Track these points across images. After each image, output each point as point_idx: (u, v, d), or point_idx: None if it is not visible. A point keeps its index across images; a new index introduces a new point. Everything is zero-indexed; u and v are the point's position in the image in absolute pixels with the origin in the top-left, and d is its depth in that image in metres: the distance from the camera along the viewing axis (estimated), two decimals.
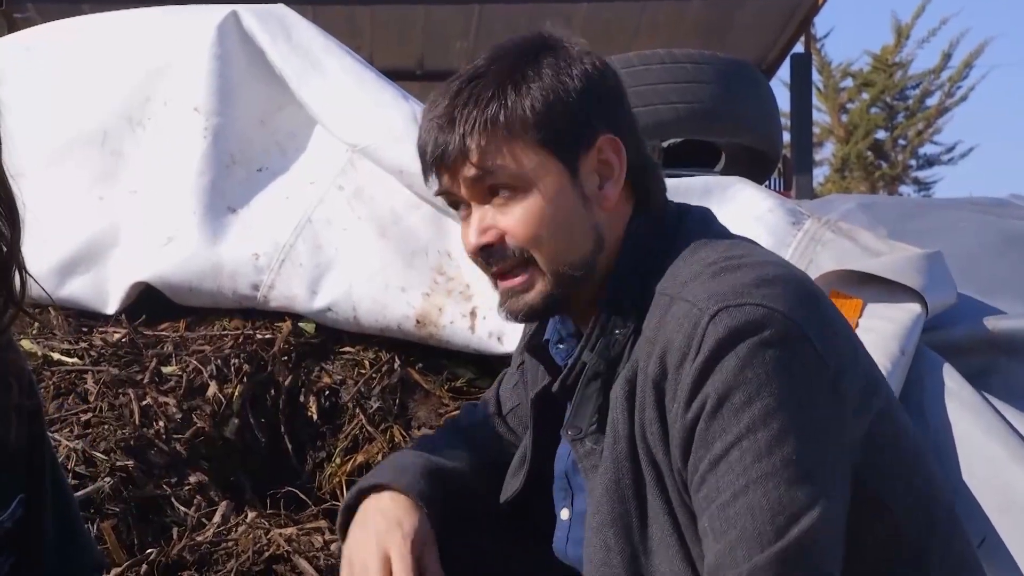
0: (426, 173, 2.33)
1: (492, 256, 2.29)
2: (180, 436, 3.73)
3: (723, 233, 2.34)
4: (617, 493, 2.20)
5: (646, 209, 2.32)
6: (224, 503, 3.59)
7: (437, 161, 2.28)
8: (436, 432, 2.87)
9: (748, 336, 2.05)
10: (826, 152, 22.49)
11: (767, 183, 8.11)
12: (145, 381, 3.85)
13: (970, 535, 2.41)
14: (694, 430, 2.08)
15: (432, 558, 2.41)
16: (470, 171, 2.25)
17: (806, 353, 2.08)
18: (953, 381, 3.41)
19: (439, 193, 2.34)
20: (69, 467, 3.47)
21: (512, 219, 2.26)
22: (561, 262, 2.26)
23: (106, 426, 3.66)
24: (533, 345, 2.49)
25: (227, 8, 4.41)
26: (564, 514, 2.43)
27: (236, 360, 3.95)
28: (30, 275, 2.30)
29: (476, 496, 2.59)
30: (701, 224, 2.34)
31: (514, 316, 2.33)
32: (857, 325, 3.34)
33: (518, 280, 2.29)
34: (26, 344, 3.88)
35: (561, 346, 2.42)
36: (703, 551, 2.08)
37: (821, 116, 21.63)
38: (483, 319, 3.91)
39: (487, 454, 2.66)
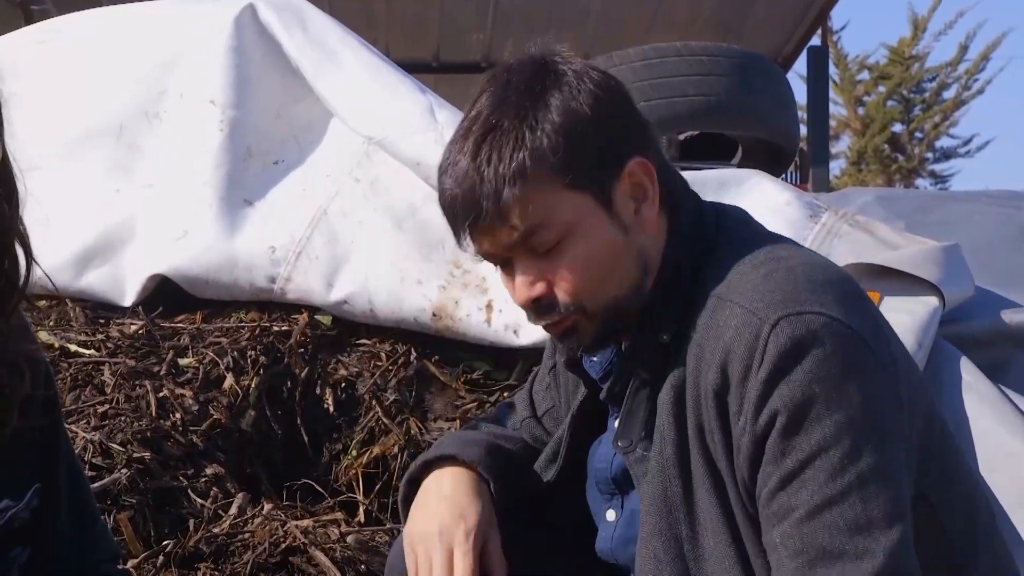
0: (458, 237, 2.23)
1: (542, 309, 2.21)
2: (197, 428, 3.74)
3: (763, 232, 2.32)
4: (665, 502, 2.18)
5: (679, 212, 2.27)
6: (240, 495, 3.59)
7: (471, 227, 2.18)
8: (486, 420, 2.83)
9: (812, 347, 2.04)
10: (842, 145, 22.45)
11: (784, 176, 8.09)
12: (162, 373, 3.86)
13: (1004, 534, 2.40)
14: (763, 445, 2.06)
15: (494, 545, 2.39)
16: (510, 233, 2.17)
17: (867, 361, 2.07)
18: (970, 374, 3.40)
19: (478, 257, 2.25)
20: (86, 459, 3.48)
21: (560, 271, 2.19)
22: (612, 299, 2.20)
23: (123, 418, 3.67)
24: (569, 359, 2.45)
25: (243, 1, 4.41)
26: (611, 515, 2.41)
27: (253, 352, 3.96)
28: (37, 263, 2.30)
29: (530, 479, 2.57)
30: (740, 224, 2.31)
31: (573, 352, 2.32)
32: None
33: (568, 326, 2.23)
34: (43, 335, 3.89)
35: (595, 359, 2.39)
36: (770, 563, 2.07)
37: (837, 109, 21.57)
38: (499, 312, 3.91)
39: (529, 454, 2.65)
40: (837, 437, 2.02)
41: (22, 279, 2.25)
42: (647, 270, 2.23)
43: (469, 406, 3.90)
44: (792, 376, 2.04)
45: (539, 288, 2.20)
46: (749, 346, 2.07)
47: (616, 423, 2.31)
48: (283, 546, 3.35)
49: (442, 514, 2.40)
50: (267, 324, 4.05)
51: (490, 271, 3.88)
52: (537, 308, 2.22)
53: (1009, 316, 3.61)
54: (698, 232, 2.26)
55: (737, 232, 2.27)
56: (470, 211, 2.17)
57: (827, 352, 2.04)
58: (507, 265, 2.24)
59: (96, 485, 3.38)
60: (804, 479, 2.02)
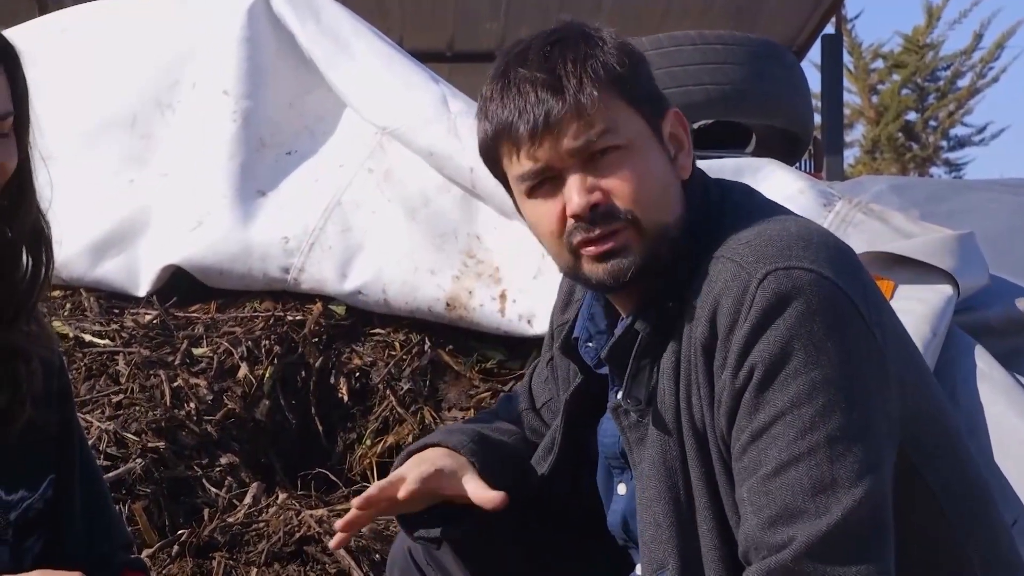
0: (511, 150, 2.21)
1: (599, 216, 2.18)
2: (211, 417, 3.75)
3: (767, 202, 2.32)
4: (664, 466, 2.19)
5: (693, 184, 2.29)
6: (255, 484, 3.60)
7: (539, 129, 2.16)
8: (476, 416, 2.84)
9: (795, 302, 2.03)
10: (856, 134, 22.38)
11: (798, 165, 8.08)
12: (176, 363, 3.87)
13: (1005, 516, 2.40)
14: (740, 398, 2.06)
15: (471, 477, 2.39)
16: (582, 132, 2.16)
17: (854, 323, 2.06)
18: (985, 363, 3.39)
19: (527, 173, 2.21)
20: (100, 448, 3.49)
21: (618, 180, 2.17)
22: (663, 224, 2.19)
23: (137, 407, 3.68)
24: (563, 344, 2.48)
25: None
26: (621, 489, 2.41)
27: (267, 342, 3.96)
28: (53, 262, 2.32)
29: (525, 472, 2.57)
30: (744, 196, 2.31)
31: (618, 276, 2.20)
32: None
33: (617, 242, 2.19)
34: (58, 325, 3.90)
35: (590, 344, 2.40)
36: (740, 520, 2.08)
37: (852, 97, 21.51)
38: (513, 302, 3.91)
39: (523, 445, 2.65)
40: (811, 394, 2.01)
41: (42, 277, 2.27)
42: (683, 213, 2.23)
43: (483, 395, 3.90)
44: (772, 330, 2.03)
45: (597, 195, 2.17)
46: (736, 299, 2.07)
47: (619, 393, 2.30)
48: (297, 535, 3.36)
49: (410, 462, 2.43)
50: (281, 314, 4.06)
51: (504, 260, 3.89)
52: (594, 215, 2.18)
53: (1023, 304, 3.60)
54: (704, 202, 2.26)
55: (741, 203, 2.27)
56: (543, 110, 2.16)
57: (811, 308, 2.03)
58: (551, 181, 2.21)
59: (111, 475, 3.39)
60: (774, 435, 2.02)
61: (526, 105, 2.17)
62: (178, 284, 4.15)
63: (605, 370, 2.36)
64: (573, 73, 2.16)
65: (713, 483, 2.14)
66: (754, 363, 2.04)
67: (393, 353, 4.00)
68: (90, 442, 3.45)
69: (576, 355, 2.43)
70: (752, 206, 2.27)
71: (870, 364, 2.07)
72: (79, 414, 3.51)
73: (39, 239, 2.29)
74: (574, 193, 2.17)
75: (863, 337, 2.07)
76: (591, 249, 2.20)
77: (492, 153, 2.26)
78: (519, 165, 2.21)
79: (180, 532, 3.37)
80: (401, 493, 2.37)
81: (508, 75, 2.21)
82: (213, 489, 3.56)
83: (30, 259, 2.27)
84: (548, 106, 2.16)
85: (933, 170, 22.07)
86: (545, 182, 2.21)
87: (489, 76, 2.25)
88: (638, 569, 2.39)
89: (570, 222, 2.19)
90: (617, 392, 2.30)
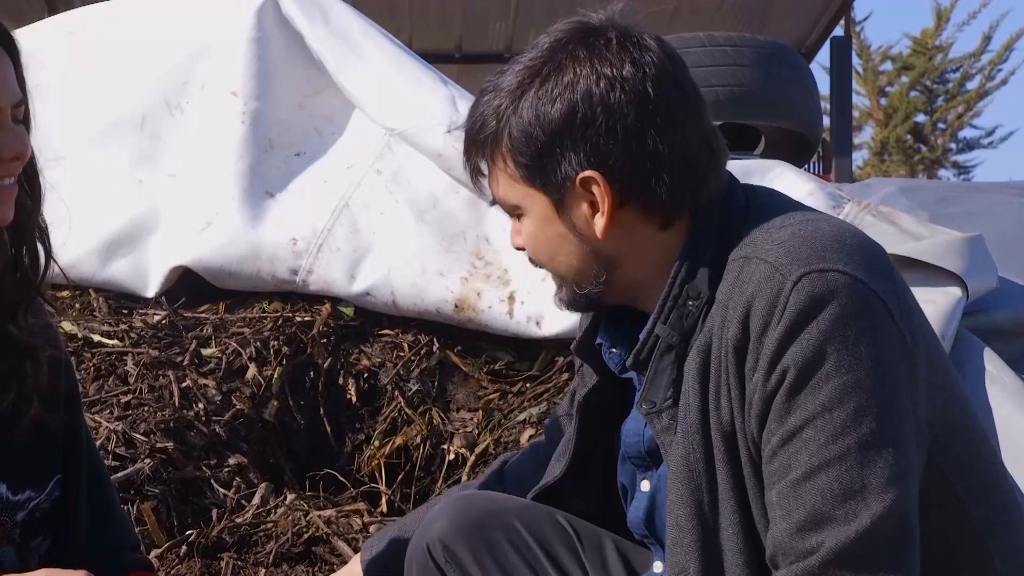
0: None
1: (526, 255, 2.37)
2: (219, 418, 3.75)
3: (791, 201, 2.31)
4: (687, 469, 2.18)
5: (700, 208, 2.26)
6: (263, 485, 3.61)
7: (474, 178, 2.36)
8: (465, 484, 3.04)
9: (830, 306, 2.03)
10: (865, 136, 22.35)
11: (806, 167, 8.07)
12: (185, 363, 3.87)
13: None
14: (772, 401, 2.06)
15: None
16: (495, 192, 2.33)
17: (887, 327, 2.06)
18: (994, 365, 3.39)
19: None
20: (109, 448, 3.49)
21: (523, 235, 2.32)
22: (567, 279, 2.31)
23: (146, 408, 3.68)
24: (580, 347, 2.50)
25: None
26: (645, 486, 2.42)
27: (275, 342, 3.97)
28: (55, 260, 2.32)
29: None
30: (766, 196, 2.31)
31: (563, 308, 2.37)
32: None
33: (552, 279, 2.37)
34: (67, 325, 3.91)
35: (615, 350, 2.41)
36: (768, 523, 2.08)
37: (860, 99, 21.48)
38: (521, 303, 3.91)
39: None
40: (843, 399, 2.01)
41: (40, 275, 2.27)
42: (613, 266, 2.27)
43: (491, 396, 3.90)
44: (806, 334, 2.03)
45: (518, 240, 2.34)
46: (770, 301, 2.06)
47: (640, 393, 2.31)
48: (306, 536, 3.36)
49: None
50: (290, 314, 4.06)
51: (512, 262, 3.89)
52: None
53: None
54: (726, 202, 2.27)
55: (764, 203, 2.27)
56: (467, 165, 2.34)
57: (845, 312, 2.03)
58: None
59: (119, 475, 3.39)
60: (805, 439, 2.02)
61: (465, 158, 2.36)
62: (187, 285, 4.15)
63: (629, 373, 2.37)
64: (473, 143, 2.30)
65: (741, 486, 2.14)
66: (787, 366, 2.04)
67: (402, 354, 4.01)
68: (99, 442, 3.46)
69: (591, 357, 2.46)
70: (777, 205, 2.26)
71: (901, 369, 2.07)
72: (88, 414, 3.53)
73: (42, 233, 2.30)
74: (511, 232, 2.37)
75: (895, 342, 2.07)
76: None
77: None
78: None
79: (188, 532, 3.37)
80: None
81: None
82: (221, 490, 3.57)
83: (31, 253, 2.28)
84: (472, 163, 2.34)
85: (942, 172, 22.04)
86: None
87: None
88: (655, 566, 2.40)
89: None
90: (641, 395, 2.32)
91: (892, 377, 2.05)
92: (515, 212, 2.31)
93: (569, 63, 2.24)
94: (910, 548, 2.01)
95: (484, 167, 2.30)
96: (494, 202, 2.36)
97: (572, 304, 2.35)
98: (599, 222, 2.25)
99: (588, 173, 2.22)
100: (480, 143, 2.28)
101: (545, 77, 2.23)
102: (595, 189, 2.23)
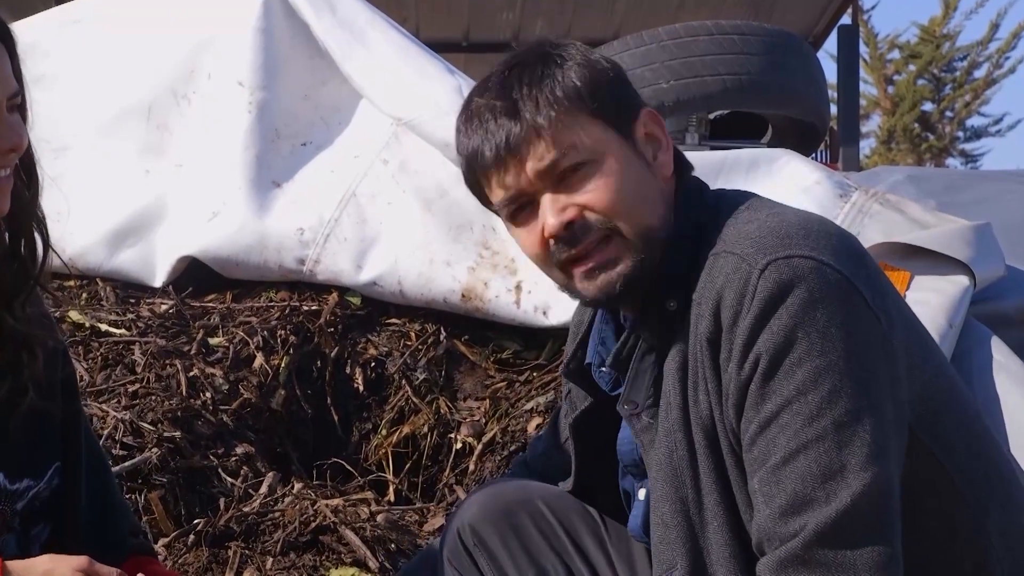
0: (484, 180, 2.27)
1: (576, 233, 2.21)
2: (227, 407, 3.76)
3: (763, 199, 2.32)
4: (671, 466, 2.20)
5: (686, 183, 2.31)
6: (271, 474, 3.61)
7: (502, 154, 2.21)
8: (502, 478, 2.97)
9: (797, 291, 2.04)
10: (872, 124, 22.31)
11: (814, 155, 8.06)
12: (192, 352, 3.87)
13: None
14: (747, 389, 2.08)
15: None
16: (545, 154, 2.19)
17: (857, 308, 2.07)
18: (1001, 354, 3.39)
19: (502, 201, 2.26)
20: (116, 437, 3.50)
21: (590, 193, 2.20)
22: (645, 226, 2.21)
23: (153, 397, 3.68)
24: (570, 370, 2.50)
25: None
26: (642, 494, 2.43)
27: (283, 332, 3.97)
28: (54, 250, 2.32)
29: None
30: (739, 195, 2.31)
31: (608, 291, 2.23)
32: (905, 297, 3.32)
33: (604, 255, 2.22)
34: (74, 315, 3.91)
35: (604, 369, 2.42)
36: (753, 512, 2.09)
37: (868, 88, 21.45)
38: (528, 293, 3.91)
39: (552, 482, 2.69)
40: (816, 381, 2.02)
41: (38, 265, 2.28)
42: (669, 212, 2.25)
43: (498, 385, 3.91)
44: (775, 320, 2.05)
45: (571, 212, 2.21)
46: (739, 291, 2.08)
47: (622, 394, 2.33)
48: (313, 525, 3.37)
49: None
50: (297, 304, 4.06)
51: (519, 252, 3.87)
52: (571, 234, 2.21)
53: None
54: (700, 202, 2.28)
55: (736, 201, 2.28)
56: (503, 136, 2.20)
57: (813, 295, 2.05)
58: (530, 206, 2.25)
59: (127, 464, 3.40)
60: (782, 423, 2.04)
61: (487, 133, 2.22)
62: (194, 274, 4.16)
63: (619, 389, 2.37)
64: (528, 96, 2.20)
65: (725, 479, 2.15)
66: (759, 353, 2.06)
67: (409, 343, 4.01)
68: (106, 431, 3.47)
69: (583, 379, 2.47)
70: (747, 202, 2.28)
71: (875, 349, 2.07)
72: (95, 403, 3.54)
73: (40, 224, 2.30)
74: (548, 214, 2.22)
75: (867, 322, 2.08)
76: (580, 268, 2.24)
77: (474, 186, 2.32)
78: (495, 194, 2.27)
79: (196, 521, 3.37)
80: None
81: (471, 106, 2.27)
82: (229, 479, 3.57)
83: (29, 243, 2.28)
84: (507, 130, 2.20)
85: (949, 161, 22.01)
86: (524, 207, 2.26)
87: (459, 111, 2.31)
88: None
89: (551, 243, 2.24)
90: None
91: (866, 356, 2.06)
92: (584, 163, 2.19)
93: (562, 48, 2.30)
94: (891, 523, 2.03)
95: (551, 117, 2.18)
96: (502, 201, 2.27)
97: (631, 276, 2.21)
98: (664, 158, 2.28)
99: (648, 108, 2.29)
100: (534, 98, 2.20)
101: (556, 53, 2.27)
102: (655, 126, 2.28)
